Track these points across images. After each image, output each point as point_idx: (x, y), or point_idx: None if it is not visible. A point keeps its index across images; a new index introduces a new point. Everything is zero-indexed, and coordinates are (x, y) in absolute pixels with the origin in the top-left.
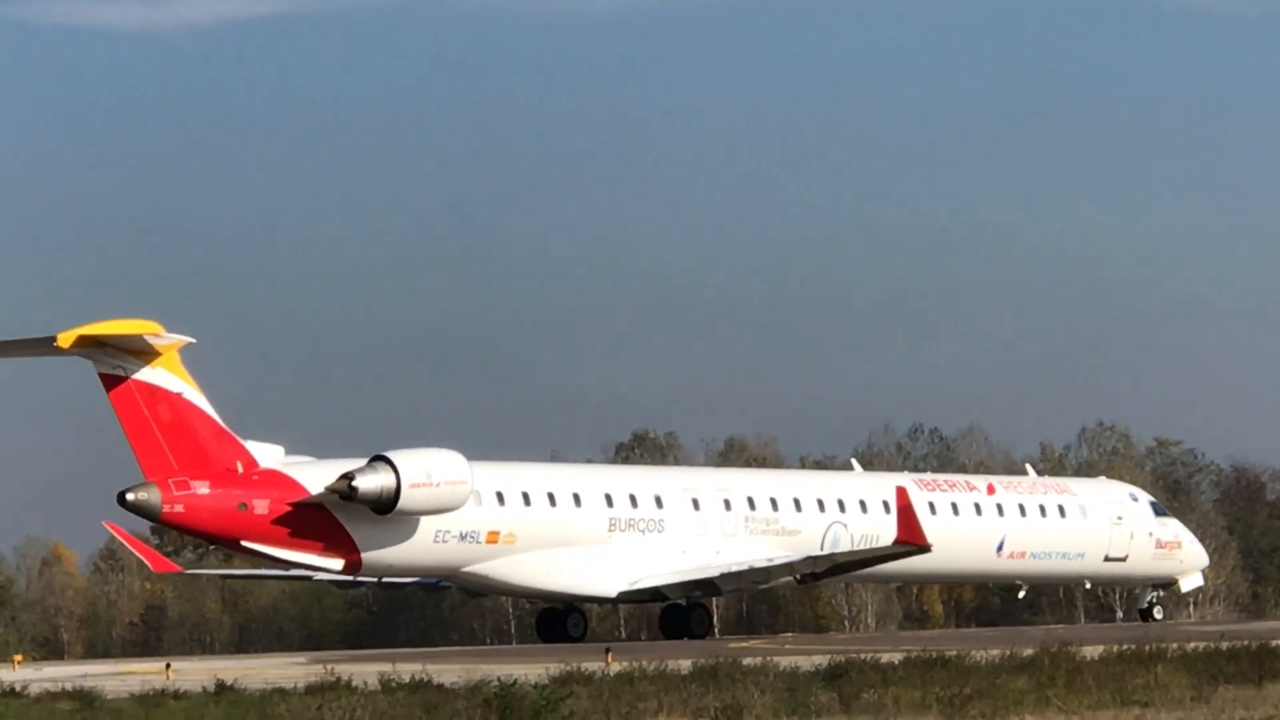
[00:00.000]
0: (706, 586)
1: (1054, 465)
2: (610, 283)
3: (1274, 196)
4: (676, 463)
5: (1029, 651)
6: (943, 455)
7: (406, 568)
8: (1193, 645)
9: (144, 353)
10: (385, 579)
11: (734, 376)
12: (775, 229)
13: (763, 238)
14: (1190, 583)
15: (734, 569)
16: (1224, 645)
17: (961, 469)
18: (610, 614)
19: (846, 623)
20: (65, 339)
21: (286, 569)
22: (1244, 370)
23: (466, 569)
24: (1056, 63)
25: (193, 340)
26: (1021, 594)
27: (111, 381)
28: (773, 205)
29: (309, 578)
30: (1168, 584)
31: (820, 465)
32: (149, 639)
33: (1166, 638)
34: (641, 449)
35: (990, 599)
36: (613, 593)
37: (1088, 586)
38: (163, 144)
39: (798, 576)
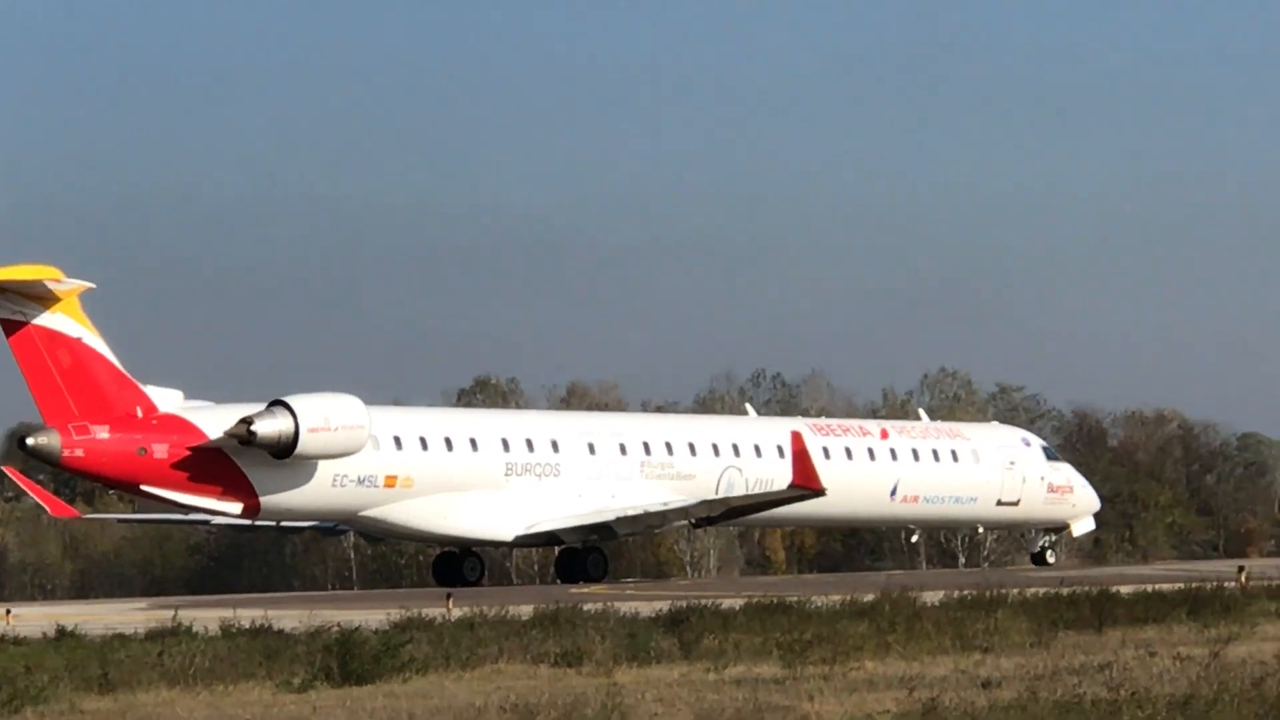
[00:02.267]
0: (603, 530)
1: (896, 412)
2: (452, 228)
3: (1110, 143)
4: (518, 408)
5: (870, 597)
6: (785, 401)
7: (304, 512)
8: (1033, 591)
9: (43, 298)
10: (283, 523)
11: (576, 322)
12: (616, 174)
13: (604, 183)
14: (1082, 527)
15: (629, 513)
16: (1064, 591)
17: (804, 414)
18: (508, 557)
19: (689, 568)
20: None
21: (185, 513)
22: (1085, 316)
23: (364, 513)
24: (890, 14)
25: (92, 285)
26: (915, 538)
27: (11, 327)
28: (614, 150)
29: (207, 522)
30: (1060, 528)
31: (661, 410)
32: None
33: (1006, 583)
34: (484, 394)
35: (832, 545)
36: (509, 536)
37: (980, 531)
38: (57, 92)
39: (693, 520)
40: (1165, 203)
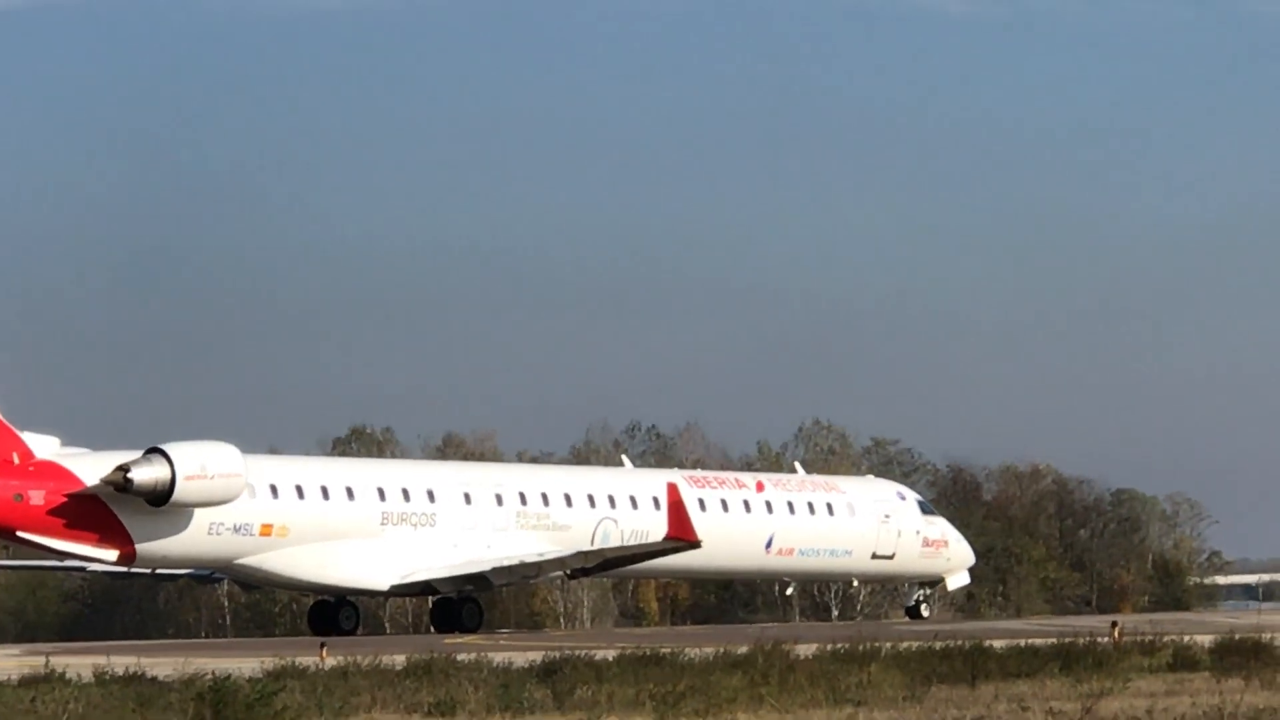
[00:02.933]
0: (478, 581)
1: (772, 464)
2: (327, 276)
3: (980, 194)
4: (393, 457)
5: (743, 649)
6: (660, 452)
7: (181, 559)
8: (906, 644)
9: None
10: (159, 570)
11: (451, 372)
12: (491, 223)
13: (479, 232)
14: (956, 581)
15: (505, 563)
16: (938, 645)
17: (680, 466)
18: (383, 607)
19: (562, 619)
20: None
21: (61, 560)
22: (960, 369)
23: (240, 561)
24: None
25: None
26: (790, 590)
27: None
28: (489, 199)
29: (83, 569)
30: (935, 582)
31: (536, 461)
32: None
33: (880, 637)
34: (359, 443)
35: (706, 597)
36: (384, 586)
37: (855, 584)
38: None
39: (568, 571)
40: (1039, 255)
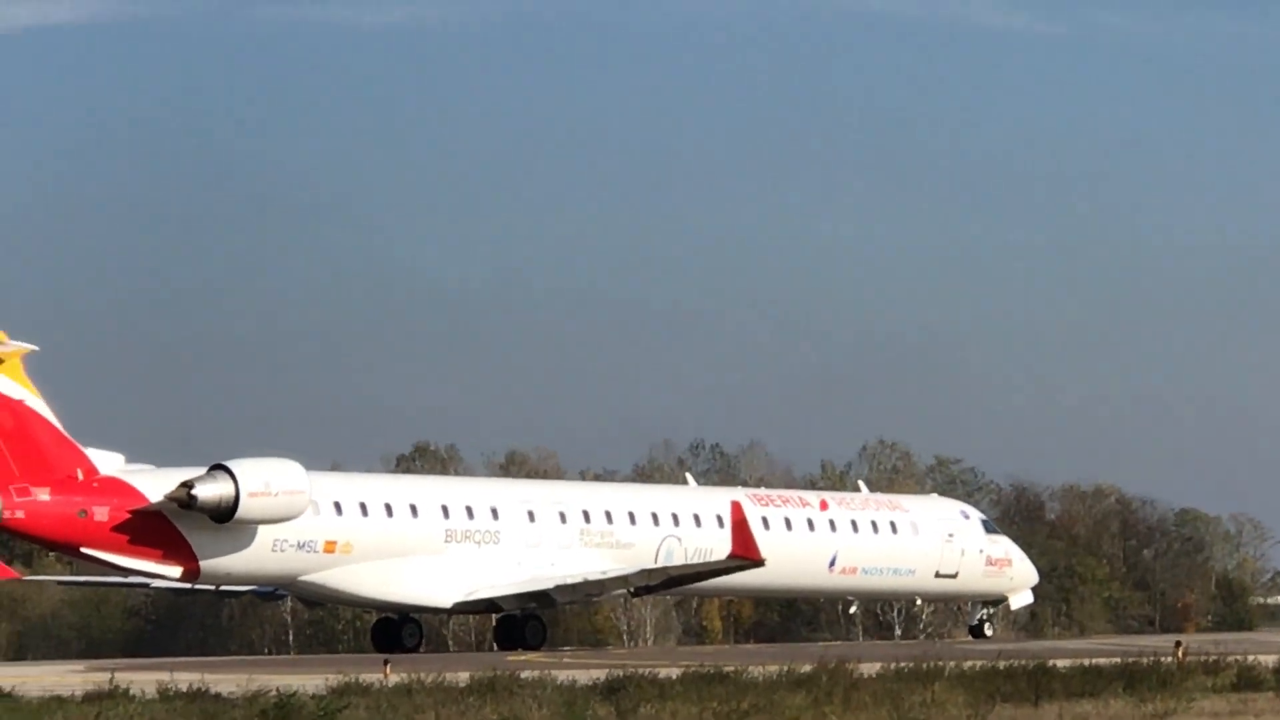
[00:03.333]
0: (541, 598)
1: (835, 483)
2: (394, 294)
3: (1051, 215)
4: (457, 475)
5: (807, 668)
6: (724, 471)
7: (244, 576)
8: (970, 664)
9: None
10: (222, 587)
11: (515, 389)
12: (559, 242)
13: (543, 252)
14: (1020, 600)
15: (569, 581)
16: (1001, 664)
17: (743, 484)
18: (445, 624)
19: (625, 637)
20: None
21: (126, 576)
22: (1024, 389)
23: (303, 578)
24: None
25: (35, 348)
26: (853, 609)
27: None
28: (557, 218)
29: (147, 585)
30: (998, 601)
31: (600, 479)
32: None
33: (944, 656)
34: (423, 461)
35: (769, 615)
36: (448, 603)
37: (918, 603)
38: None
39: (631, 589)
40: (1106, 276)
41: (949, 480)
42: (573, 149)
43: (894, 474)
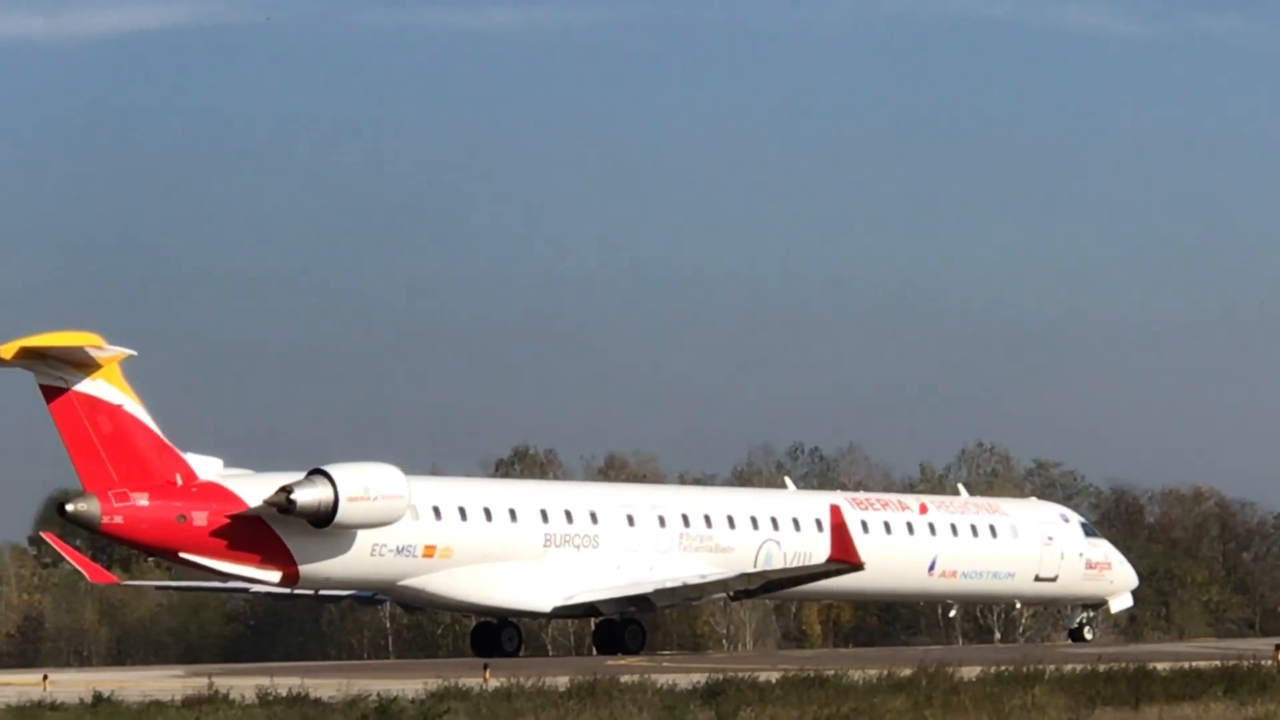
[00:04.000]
0: (641, 603)
1: (934, 486)
2: (492, 299)
3: (1147, 215)
4: (556, 479)
5: (907, 672)
6: (823, 474)
7: (343, 581)
8: (1070, 667)
9: (85, 365)
10: (321, 592)
11: (613, 393)
12: (655, 246)
13: (641, 254)
14: (1120, 603)
15: (668, 585)
16: (1101, 667)
17: (842, 488)
18: (545, 628)
19: (724, 641)
20: (7, 350)
21: (224, 581)
22: (1123, 391)
23: (403, 583)
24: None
25: (133, 353)
26: (952, 613)
27: (52, 393)
28: (653, 222)
29: (246, 590)
30: (1097, 604)
31: (699, 483)
32: (26, 650)
33: (1044, 659)
34: (522, 465)
35: (868, 619)
36: (547, 608)
37: (1018, 607)
38: (99, 154)
39: (731, 593)
40: (1204, 278)
41: (1048, 483)
42: (679, 151)
43: (993, 477)
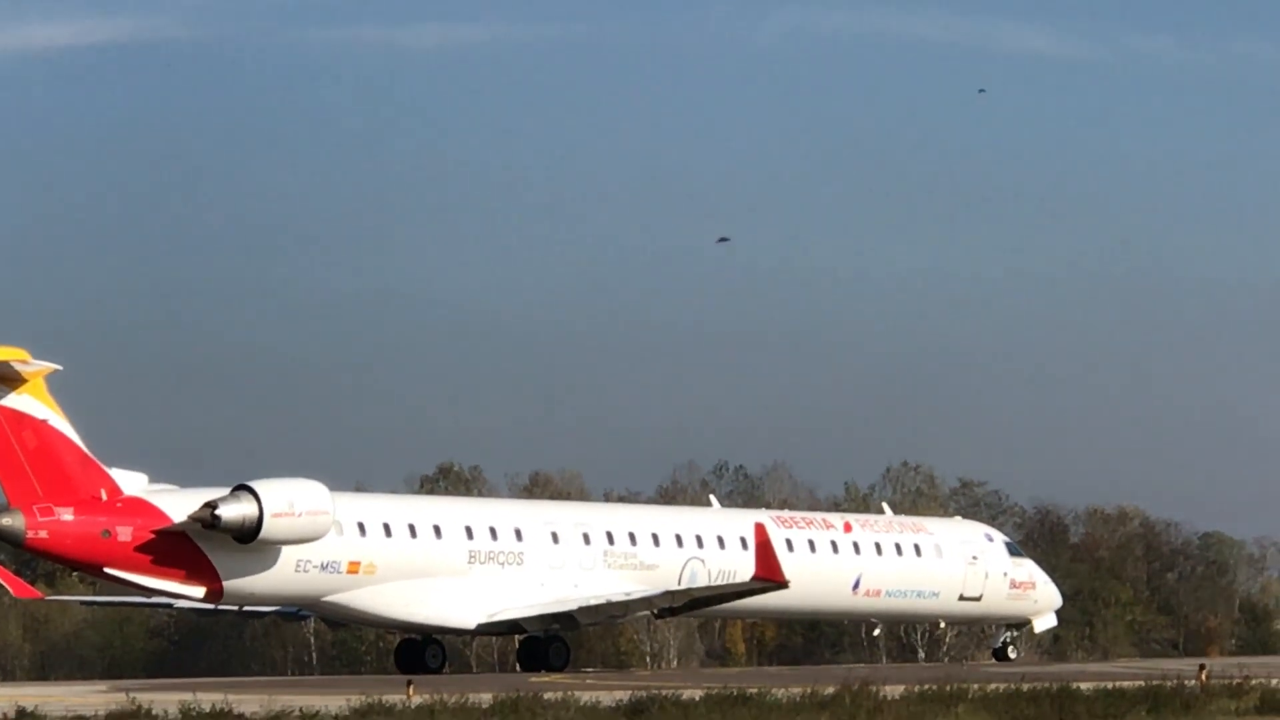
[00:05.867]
0: (565, 620)
1: (859, 505)
2: (415, 316)
3: (1072, 233)
4: (480, 496)
5: (830, 690)
6: (748, 492)
7: (268, 596)
8: (993, 686)
9: (10, 379)
10: (246, 607)
11: (538, 411)
12: (581, 264)
13: (568, 273)
14: (1044, 623)
15: (592, 603)
16: (1025, 687)
17: (767, 506)
18: (469, 645)
19: (648, 659)
20: None
21: (149, 596)
22: (1048, 411)
23: (327, 599)
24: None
25: (58, 368)
26: (876, 631)
27: None
28: (578, 240)
29: (170, 605)
30: (1022, 624)
31: (624, 500)
32: None
33: (967, 678)
34: (446, 482)
35: (793, 637)
36: (471, 624)
37: (942, 626)
38: (27, 175)
39: (655, 611)
40: (1130, 298)
41: (973, 503)
42: (602, 170)
43: (918, 496)
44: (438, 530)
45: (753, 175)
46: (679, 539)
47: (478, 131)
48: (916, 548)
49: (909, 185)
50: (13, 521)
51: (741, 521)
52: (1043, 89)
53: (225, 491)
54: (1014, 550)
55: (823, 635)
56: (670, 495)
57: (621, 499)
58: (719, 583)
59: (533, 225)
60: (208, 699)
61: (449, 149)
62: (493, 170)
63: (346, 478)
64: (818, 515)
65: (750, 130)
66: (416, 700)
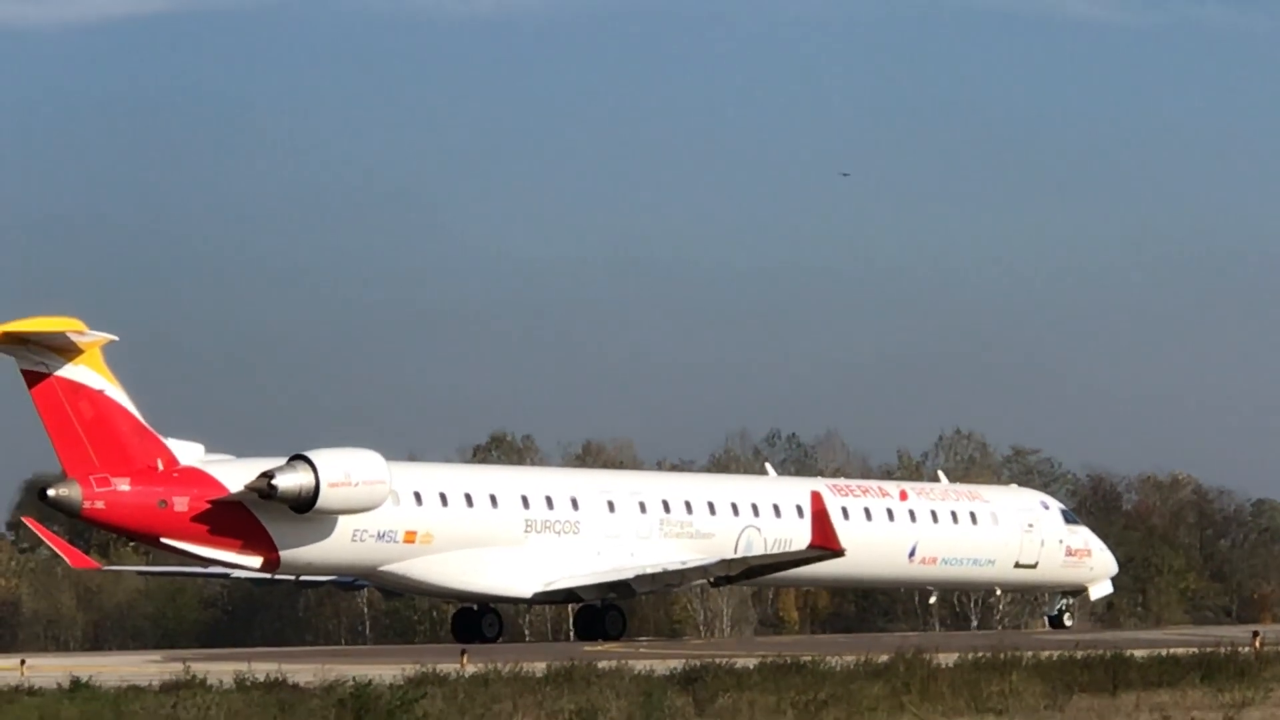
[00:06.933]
0: (621, 588)
1: (912, 473)
2: (468, 284)
3: (1128, 203)
4: (532, 464)
5: (884, 658)
6: (800, 461)
7: (324, 566)
8: (1047, 654)
9: (67, 350)
10: (302, 577)
11: (591, 380)
12: (633, 232)
13: (620, 241)
14: (1100, 590)
15: (648, 571)
16: (1079, 654)
17: (819, 474)
18: (523, 615)
19: (701, 627)
20: None
21: (205, 566)
22: (1100, 378)
23: (383, 568)
24: (906, 73)
25: (115, 338)
26: (932, 599)
27: (34, 378)
28: (631, 208)
29: (227, 575)
30: (1077, 591)
31: (676, 469)
32: (3, 636)
33: (1021, 646)
34: (499, 451)
35: (845, 605)
36: (528, 593)
37: (998, 593)
38: (80, 140)
39: (711, 580)
40: (1183, 266)
41: (1025, 470)
42: (653, 136)
43: (970, 464)
44: (494, 499)
45: (805, 144)
46: (735, 508)
47: (520, 94)
48: (972, 515)
49: (966, 153)
50: (69, 492)
51: (797, 490)
52: (1092, 53)
53: (282, 461)
54: (1070, 518)
55: (875, 603)
56: (723, 464)
57: (674, 468)
58: (775, 551)
59: (579, 185)
60: (262, 669)
61: (492, 112)
62: (540, 133)
63: (399, 448)
64: (873, 483)
65: (807, 98)
66: (470, 670)
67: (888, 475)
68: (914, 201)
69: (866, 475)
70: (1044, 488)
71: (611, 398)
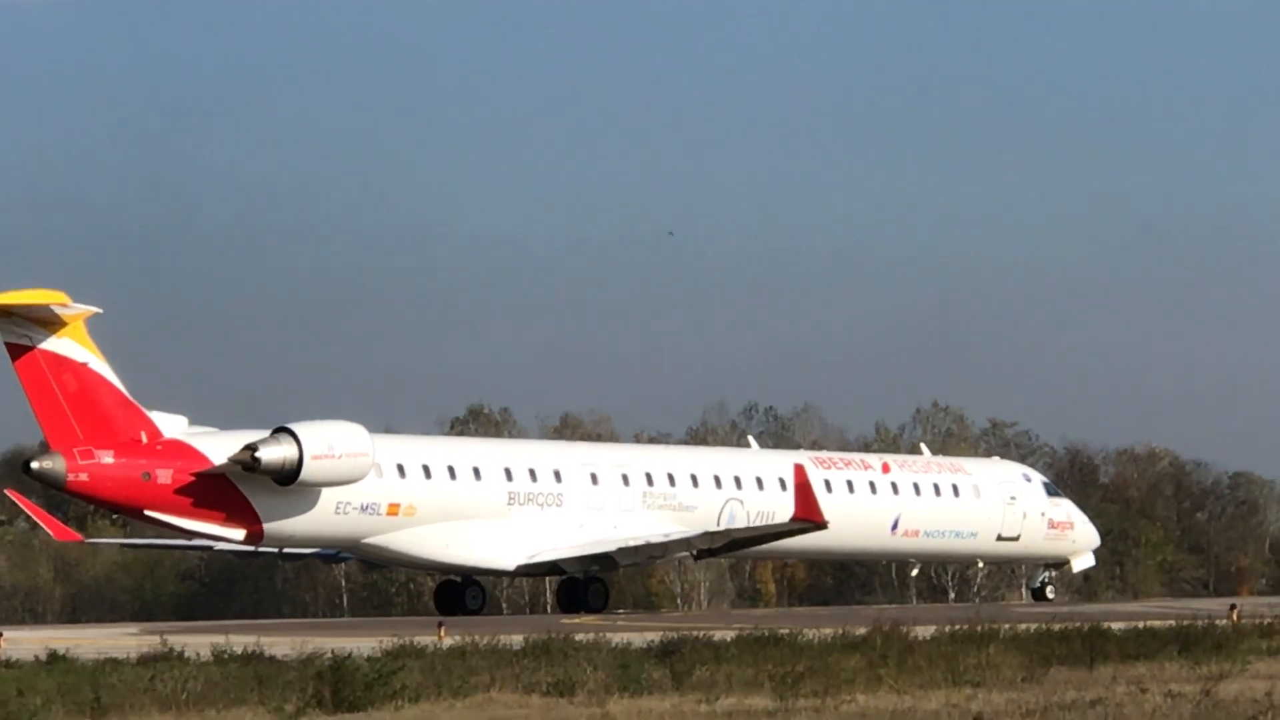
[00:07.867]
0: (604, 561)
1: (890, 445)
2: (445, 256)
3: (1103, 174)
4: (510, 437)
5: (861, 630)
6: (778, 434)
7: (307, 539)
8: (1024, 626)
9: (50, 322)
10: (286, 550)
11: (568, 352)
12: (609, 202)
13: (598, 212)
14: (1082, 563)
15: (631, 544)
16: (1056, 627)
17: (797, 447)
18: (500, 587)
19: (679, 600)
20: None
21: (189, 539)
22: (1078, 352)
23: (367, 541)
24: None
25: (99, 310)
26: (914, 572)
27: (17, 351)
28: (612, 176)
29: (210, 547)
30: (1060, 564)
31: (654, 442)
32: None
33: (998, 618)
34: (476, 423)
35: (823, 578)
36: (511, 566)
37: (980, 566)
38: (65, 119)
39: (694, 552)
40: (1160, 240)
41: (1003, 443)
42: (632, 106)
43: (948, 437)
44: (477, 472)
45: (777, 117)
46: (717, 480)
47: (504, 63)
48: (955, 488)
49: (940, 122)
50: (53, 464)
51: (780, 462)
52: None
53: (265, 434)
54: (1052, 490)
55: (853, 576)
56: (700, 437)
57: (652, 440)
58: (758, 524)
59: (564, 163)
60: (239, 641)
61: (476, 80)
62: (522, 107)
63: (375, 420)
64: (856, 456)
65: (780, 71)
66: (448, 642)
67: (865, 448)
68: (890, 173)
69: (844, 448)
70: (1022, 460)
71: (589, 371)
